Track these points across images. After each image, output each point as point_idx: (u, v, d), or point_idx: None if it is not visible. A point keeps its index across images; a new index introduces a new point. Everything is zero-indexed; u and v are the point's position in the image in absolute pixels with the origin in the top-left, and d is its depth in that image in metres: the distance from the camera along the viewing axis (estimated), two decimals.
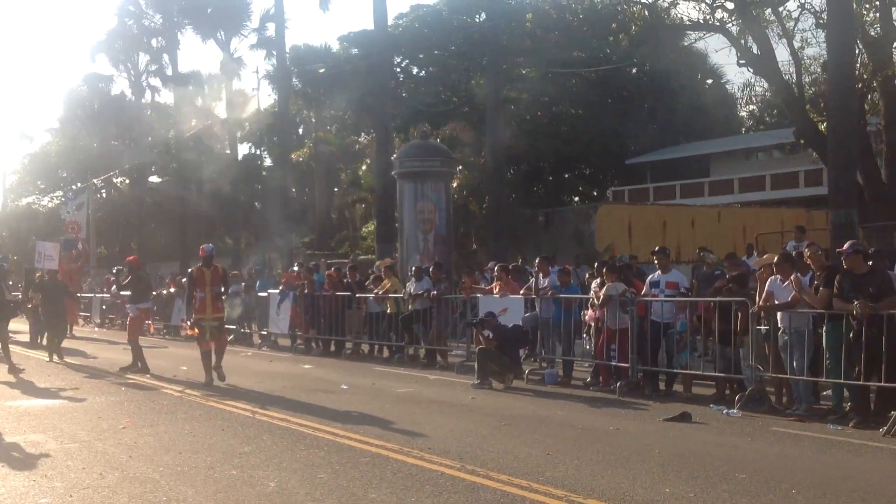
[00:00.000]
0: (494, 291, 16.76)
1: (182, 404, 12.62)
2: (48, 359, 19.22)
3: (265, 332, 23.14)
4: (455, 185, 31.88)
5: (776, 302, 11.47)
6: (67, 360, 19.03)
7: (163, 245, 56.47)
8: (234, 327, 23.57)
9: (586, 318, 14.69)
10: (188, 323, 15.64)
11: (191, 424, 10.83)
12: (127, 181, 64.59)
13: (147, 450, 9.24)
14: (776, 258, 12.02)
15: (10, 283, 19.15)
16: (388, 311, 18.97)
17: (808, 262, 11.75)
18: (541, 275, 15.70)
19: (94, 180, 56.31)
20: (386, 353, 19.39)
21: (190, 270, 15.93)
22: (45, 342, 20.90)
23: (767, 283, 11.70)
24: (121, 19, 53.87)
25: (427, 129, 31.35)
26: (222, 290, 15.46)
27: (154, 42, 54.32)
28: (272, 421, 10.95)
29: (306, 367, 17.86)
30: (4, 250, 46.94)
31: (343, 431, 10.09)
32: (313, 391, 13.79)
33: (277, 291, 22.35)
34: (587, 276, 17.28)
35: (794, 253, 13.35)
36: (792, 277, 11.33)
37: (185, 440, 9.76)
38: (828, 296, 10.87)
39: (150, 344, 22.76)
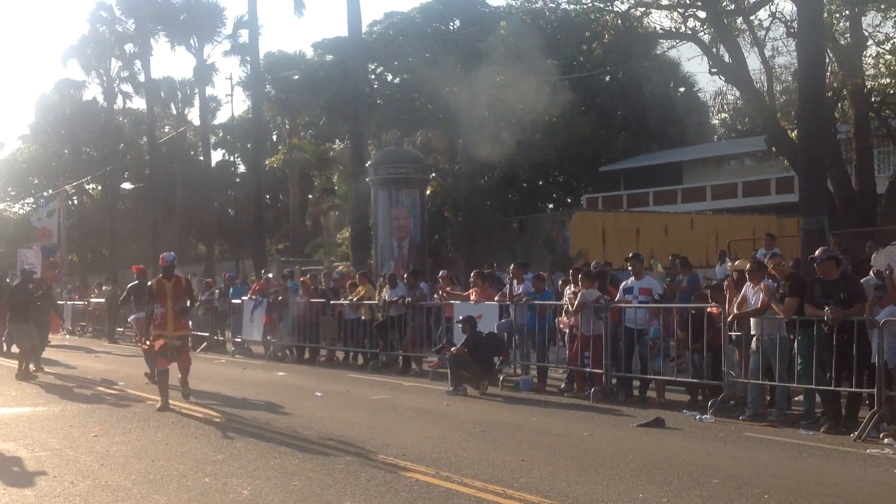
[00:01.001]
0: (472, 298, 16.73)
1: (154, 412, 12.50)
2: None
3: (239, 340, 23.02)
4: (429, 191, 31.90)
5: (749, 308, 11.58)
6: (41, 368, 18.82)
7: (135, 252, 56.07)
8: (207, 335, 23.45)
9: (560, 324, 14.73)
10: (147, 343, 13.91)
11: (163, 432, 10.75)
12: (99, 188, 64.19)
13: (119, 458, 9.16)
14: (748, 266, 12.12)
15: (31, 286, 18.89)
16: (363, 317, 18.94)
17: (772, 272, 11.86)
18: (515, 281, 15.74)
19: (66, 187, 55.84)
20: (360, 360, 19.35)
21: (149, 283, 14.05)
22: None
23: (742, 290, 11.80)
24: (93, 25, 53.42)
25: (400, 135, 31.38)
26: (188, 304, 13.65)
27: (127, 48, 53.90)
28: (246, 428, 10.89)
29: (280, 374, 17.78)
30: None
31: (317, 438, 10.07)
32: (287, 398, 13.72)
33: (251, 298, 22.24)
34: (560, 282, 17.33)
35: (765, 259, 13.46)
36: (762, 285, 11.45)
37: (157, 448, 9.69)
38: (794, 304, 10.98)
39: (128, 353, 22.67)
